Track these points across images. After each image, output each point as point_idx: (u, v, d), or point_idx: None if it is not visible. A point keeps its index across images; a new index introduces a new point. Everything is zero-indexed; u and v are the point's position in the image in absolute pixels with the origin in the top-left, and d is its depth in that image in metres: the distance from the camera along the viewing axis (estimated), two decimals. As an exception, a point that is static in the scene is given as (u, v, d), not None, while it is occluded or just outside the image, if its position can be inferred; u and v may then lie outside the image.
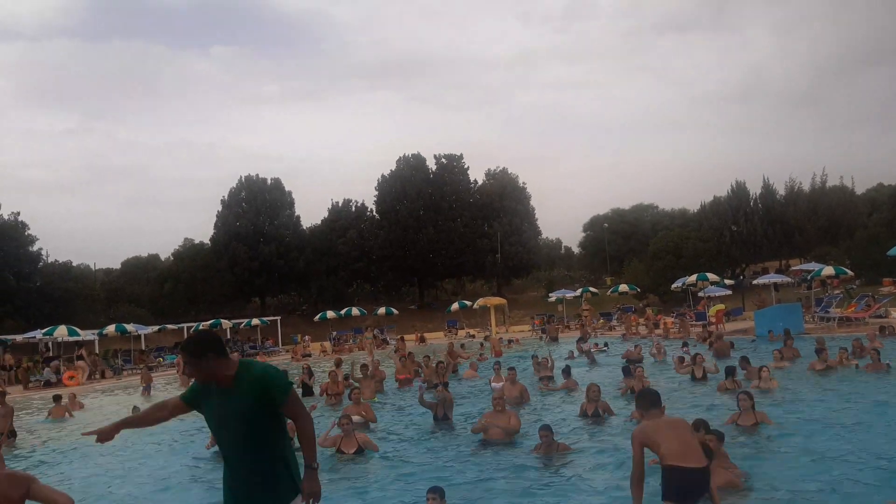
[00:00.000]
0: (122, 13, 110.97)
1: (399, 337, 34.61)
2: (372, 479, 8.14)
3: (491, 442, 9.39)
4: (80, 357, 29.22)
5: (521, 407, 12.18)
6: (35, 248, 46.93)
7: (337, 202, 61.92)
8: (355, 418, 11.03)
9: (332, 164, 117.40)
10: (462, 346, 25.70)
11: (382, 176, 59.44)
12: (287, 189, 58.13)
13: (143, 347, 37.84)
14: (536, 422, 10.27)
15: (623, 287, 42.51)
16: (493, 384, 14.00)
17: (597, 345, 23.03)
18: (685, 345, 20.03)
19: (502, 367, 14.60)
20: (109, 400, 19.98)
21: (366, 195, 61.78)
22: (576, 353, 21.12)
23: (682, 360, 15.61)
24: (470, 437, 9.88)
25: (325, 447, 9.14)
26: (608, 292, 45.33)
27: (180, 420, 13.71)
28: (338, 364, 17.94)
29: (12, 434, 12.54)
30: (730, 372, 12.70)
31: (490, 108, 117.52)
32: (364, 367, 16.72)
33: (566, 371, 14.80)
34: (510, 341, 28.79)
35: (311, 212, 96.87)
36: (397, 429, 11.45)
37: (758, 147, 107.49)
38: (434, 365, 16.57)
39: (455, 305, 42.42)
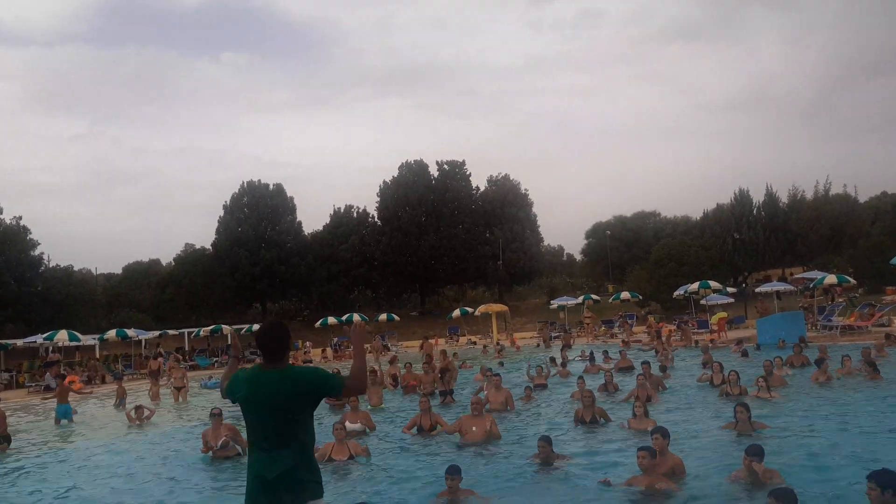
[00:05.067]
0: (132, 19, 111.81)
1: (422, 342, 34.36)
2: (360, 489, 8.01)
3: (477, 449, 9.31)
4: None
5: (504, 414, 11.99)
6: (36, 252, 46.94)
7: (339, 208, 62.05)
8: (354, 426, 10.91)
9: (336, 170, 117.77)
10: (455, 354, 25.36)
11: (384, 182, 59.49)
12: (289, 195, 58.21)
13: (144, 353, 37.76)
14: (530, 427, 10.13)
15: (625, 294, 42.41)
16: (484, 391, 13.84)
17: (583, 352, 22.96)
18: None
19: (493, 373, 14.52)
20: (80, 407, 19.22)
21: (368, 201, 61.72)
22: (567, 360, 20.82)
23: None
24: (460, 452, 9.66)
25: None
26: (610, 300, 45.19)
27: (181, 425, 13.73)
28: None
29: (6, 439, 12.42)
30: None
31: (496, 116, 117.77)
32: (372, 372, 16.47)
33: (581, 382, 13.97)
34: (502, 347, 28.72)
35: (313, 218, 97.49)
36: (393, 437, 11.31)
37: (761, 155, 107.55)
38: (437, 373, 16.40)
39: (456, 312, 42.23)
